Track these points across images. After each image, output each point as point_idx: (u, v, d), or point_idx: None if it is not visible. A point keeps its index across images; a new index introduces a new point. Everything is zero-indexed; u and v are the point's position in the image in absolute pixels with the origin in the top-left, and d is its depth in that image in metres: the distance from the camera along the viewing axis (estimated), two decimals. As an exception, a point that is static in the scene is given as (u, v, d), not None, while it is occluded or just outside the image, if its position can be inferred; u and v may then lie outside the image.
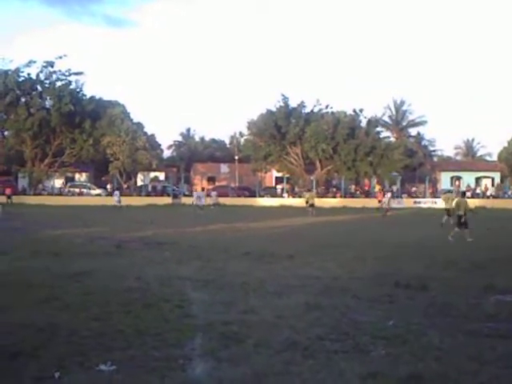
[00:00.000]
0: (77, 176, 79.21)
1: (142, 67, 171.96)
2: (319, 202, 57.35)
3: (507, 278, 12.89)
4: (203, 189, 59.72)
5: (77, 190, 70.28)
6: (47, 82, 68.70)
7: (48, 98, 68.34)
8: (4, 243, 19.73)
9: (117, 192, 56.44)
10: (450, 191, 53.07)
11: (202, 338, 7.55)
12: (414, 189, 76.69)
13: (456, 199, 27.90)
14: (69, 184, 73.96)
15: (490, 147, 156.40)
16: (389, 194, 50.21)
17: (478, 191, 75.56)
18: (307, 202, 47.38)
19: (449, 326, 8.29)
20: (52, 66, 67.99)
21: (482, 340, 7.62)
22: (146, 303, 9.67)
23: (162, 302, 9.84)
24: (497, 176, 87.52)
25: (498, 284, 11.87)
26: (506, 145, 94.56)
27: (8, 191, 58.11)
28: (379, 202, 51.73)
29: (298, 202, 64.07)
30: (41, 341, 7.29)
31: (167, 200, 63.09)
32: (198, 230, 27.35)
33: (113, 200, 54.09)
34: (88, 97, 71.34)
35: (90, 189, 70.96)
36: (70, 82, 69.01)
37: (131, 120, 72.95)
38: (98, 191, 70.21)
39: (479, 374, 6.17)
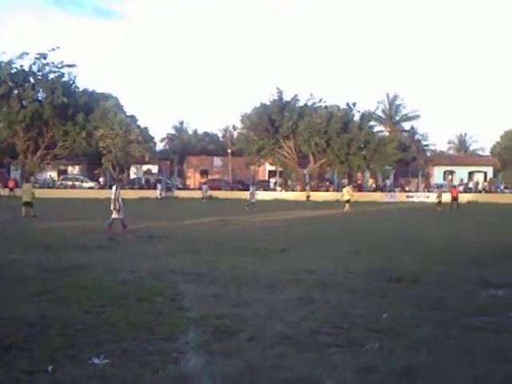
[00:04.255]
0: (69, 169, 79.10)
1: (135, 60, 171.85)
2: (312, 196, 57.58)
3: (500, 272, 12.92)
4: (253, 183, 58.39)
5: (69, 183, 70.16)
6: (40, 74, 68.44)
7: (41, 90, 68.08)
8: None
9: (159, 185, 58.84)
10: None
11: (195, 331, 7.53)
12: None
13: None
14: (61, 177, 73.83)
15: (483, 142, 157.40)
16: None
17: (470, 186, 75.76)
18: (343, 197, 46.14)
19: (441, 320, 8.29)
20: (45, 58, 67.75)
21: (474, 334, 7.63)
22: (139, 297, 9.64)
23: (154, 295, 9.81)
24: (489, 170, 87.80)
25: (492, 279, 11.89)
26: (498, 140, 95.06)
27: (11, 184, 58.51)
28: (453, 198, 47.72)
29: (291, 195, 64.29)
30: (33, 334, 7.26)
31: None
32: (189, 224, 27.35)
33: (156, 193, 59.38)
34: (81, 89, 71.15)
35: (82, 182, 70.83)
36: (62, 75, 68.79)
37: (124, 113, 72.82)
38: (90, 184, 70.10)
39: (472, 367, 6.17)
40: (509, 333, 7.72)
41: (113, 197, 23.43)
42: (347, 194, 45.02)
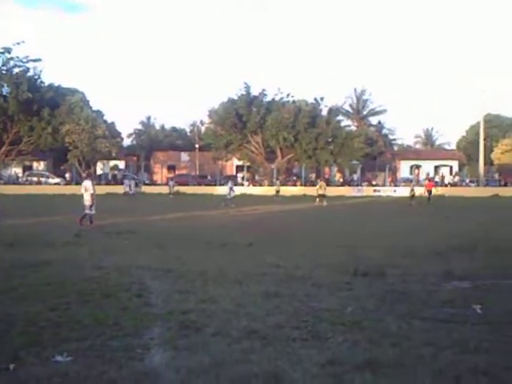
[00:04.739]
0: (35, 165, 78.26)
1: (101, 54, 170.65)
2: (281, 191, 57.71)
3: (464, 265, 13.08)
4: (232, 177, 57.90)
5: (35, 179, 69.42)
6: (4, 68, 67.60)
7: (5, 85, 67.28)
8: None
9: (126, 181, 58.56)
10: None
11: (161, 327, 7.51)
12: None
13: None
14: (26, 173, 73.02)
15: (449, 136, 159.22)
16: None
17: (436, 179, 76.59)
18: (317, 192, 46.19)
19: (406, 312, 8.37)
20: (9, 53, 66.93)
21: (438, 325, 7.71)
22: (105, 293, 9.56)
23: (121, 291, 9.74)
24: (455, 164, 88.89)
25: (456, 271, 12.03)
26: (464, 134, 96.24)
27: None
28: (428, 191, 48.10)
29: (259, 190, 64.39)
30: (-4, 332, 7.17)
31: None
32: (157, 219, 27.27)
33: (123, 188, 58.82)
34: (46, 84, 70.40)
35: (48, 177, 70.11)
36: (27, 69, 68.08)
37: (91, 108, 72.23)
38: (56, 180, 69.43)
39: (435, 359, 6.24)
40: (472, 324, 7.80)
41: (91, 191, 23.18)
42: (320, 188, 45.30)
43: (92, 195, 23.04)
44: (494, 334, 7.30)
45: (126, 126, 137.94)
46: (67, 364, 6.04)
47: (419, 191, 50.55)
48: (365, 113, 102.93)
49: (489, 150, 79.62)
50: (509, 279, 11.40)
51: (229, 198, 42.28)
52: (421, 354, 6.41)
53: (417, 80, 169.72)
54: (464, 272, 12.01)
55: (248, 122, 72.26)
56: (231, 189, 43.98)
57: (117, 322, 7.67)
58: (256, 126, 72.12)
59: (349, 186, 73.00)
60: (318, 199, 44.34)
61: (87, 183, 23.62)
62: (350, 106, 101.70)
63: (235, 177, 76.70)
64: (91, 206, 22.99)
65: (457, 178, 79.52)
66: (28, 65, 68.08)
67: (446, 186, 72.40)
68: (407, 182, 73.15)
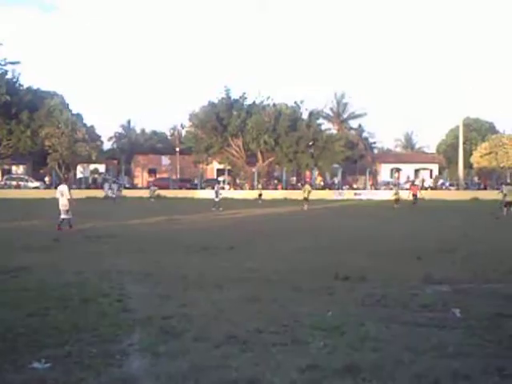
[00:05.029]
0: (14, 168, 77.59)
1: (81, 57, 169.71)
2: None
3: (444, 269, 13.14)
4: (218, 181, 57.83)
5: (14, 183, 68.81)
6: (-18, 71, 66.95)
7: (-17, 88, 66.56)
8: None
9: (106, 184, 58.11)
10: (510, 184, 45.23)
11: (141, 332, 7.46)
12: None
13: None
14: (5, 176, 72.40)
15: (429, 139, 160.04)
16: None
17: (416, 182, 76.94)
18: (303, 196, 45.85)
19: (386, 317, 8.39)
20: (-14, 56, 66.27)
21: (417, 330, 7.74)
22: (85, 298, 9.49)
23: (100, 296, 9.69)
24: (435, 168, 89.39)
25: (436, 275, 12.07)
26: (444, 137, 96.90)
27: None
28: (414, 195, 49.13)
29: (240, 194, 64.33)
30: (-27, 339, 7.07)
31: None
32: (137, 223, 27.12)
33: (106, 191, 57.98)
34: (25, 87, 69.83)
35: (27, 181, 69.53)
36: (5, 72, 67.38)
37: (70, 111, 71.78)
38: (36, 184, 68.85)
39: (414, 363, 6.26)
40: (451, 328, 7.84)
41: (69, 197, 23.05)
42: (304, 192, 45.13)
43: (69, 200, 22.92)
44: (473, 338, 7.35)
45: (107, 130, 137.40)
46: (45, 371, 5.98)
47: (403, 195, 50.58)
48: (345, 116, 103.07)
49: (468, 154, 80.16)
50: (488, 283, 11.47)
51: (217, 201, 42.22)
52: (400, 358, 6.43)
53: (397, 83, 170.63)
54: (444, 276, 12.07)
55: (229, 126, 72.16)
56: (217, 192, 43.85)
57: (96, 327, 7.62)
58: (237, 130, 72.03)
59: (330, 189, 72.99)
60: (304, 202, 44.21)
61: (63, 188, 23.49)
62: (331, 109, 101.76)
63: (216, 180, 76.59)
64: (68, 211, 22.84)
65: (440, 181, 79.91)
66: (6, 67, 67.53)
67: (426, 189, 72.79)
68: (388, 185, 73.45)
